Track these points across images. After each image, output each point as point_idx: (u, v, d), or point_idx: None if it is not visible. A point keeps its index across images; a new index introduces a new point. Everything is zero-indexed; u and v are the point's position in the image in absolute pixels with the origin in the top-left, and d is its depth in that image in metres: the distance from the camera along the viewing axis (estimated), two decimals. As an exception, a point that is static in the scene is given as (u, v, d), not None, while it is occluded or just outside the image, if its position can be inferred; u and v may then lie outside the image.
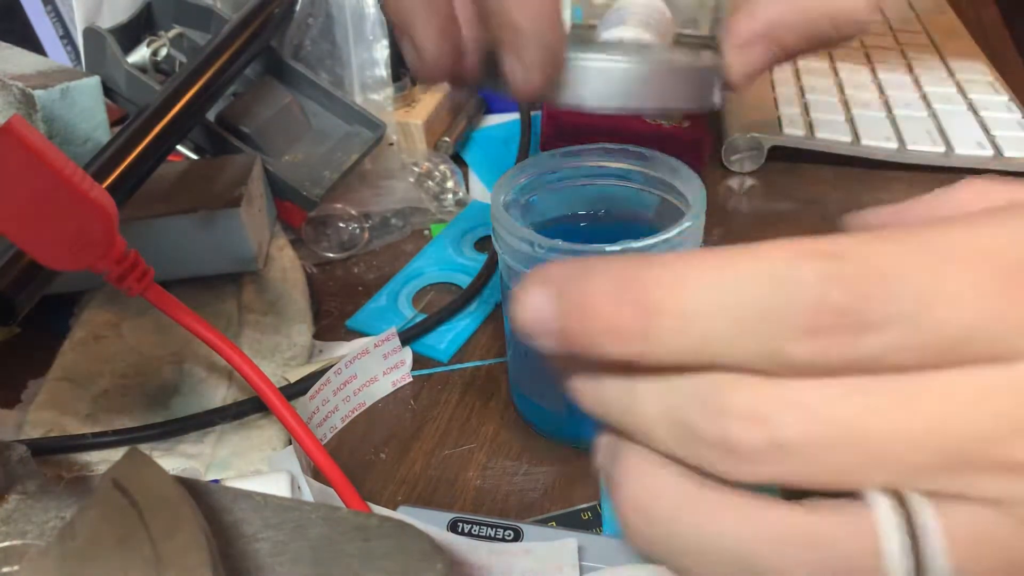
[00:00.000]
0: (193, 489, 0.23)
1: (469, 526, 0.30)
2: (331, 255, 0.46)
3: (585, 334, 0.20)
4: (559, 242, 0.29)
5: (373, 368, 0.37)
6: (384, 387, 0.37)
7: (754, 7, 0.31)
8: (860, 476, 0.18)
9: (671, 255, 0.20)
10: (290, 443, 0.33)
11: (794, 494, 0.20)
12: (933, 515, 0.18)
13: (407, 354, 0.38)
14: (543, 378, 0.30)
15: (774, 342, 0.18)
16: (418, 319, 0.40)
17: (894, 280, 0.17)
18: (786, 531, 0.19)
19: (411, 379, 0.38)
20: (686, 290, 0.19)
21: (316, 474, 0.31)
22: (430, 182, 0.50)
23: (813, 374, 0.18)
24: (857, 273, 0.18)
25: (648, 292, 0.19)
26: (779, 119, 0.55)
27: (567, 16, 0.74)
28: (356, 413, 0.37)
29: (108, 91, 0.45)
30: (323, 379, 0.34)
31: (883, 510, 0.18)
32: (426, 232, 0.48)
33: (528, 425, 0.35)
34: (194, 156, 0.47)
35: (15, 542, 0.23)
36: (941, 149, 0.53)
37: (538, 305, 0.21)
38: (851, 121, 0.55)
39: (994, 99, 0.58)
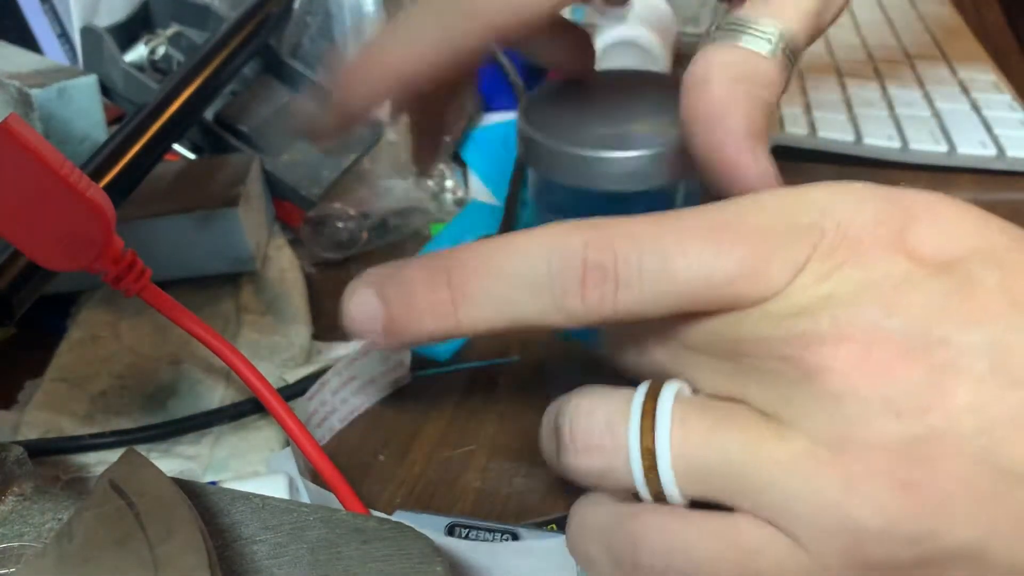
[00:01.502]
0: (191, 491, 0.23)
1: (466, 531, 0.30)
2: (330, 255, 0.46)
3: (409, 318, 0.25)
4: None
5: (373, 370, 0.36)
6: (384, 388, 0.37)
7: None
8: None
9: (478, 241, 0.25)
10: (288, 444, 0.33)
11: None
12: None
13: (407, 355, 0.38)
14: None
15: (557, 299, 0.23)
16: (418, 319, 0.40)
17: (641, 241, 0.22)
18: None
19: (411, 380, 0.38)
20: (487, 267, 0.24)
21: (314, 476, 0.31)
22: (429, 182, 0.50)
23: (594, 323, 0.23)
24: (611, 236, 0.23)
25: (455, 274, 0.24)
26: (781, 118, 0.55)
27: (567, 16, 0.74)
28: (355, 415, 0.36)
29: (105, 90, 0.45)
30: (321, 380, 0.34)
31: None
32: (425, 232, 0.48)
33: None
34: (192, 155, 0.46)
35: (12, 544, 0.22)
36: (944, 148, 0.52)
37: (365, 303, 0.25)
38: (853, 120, 0.55)
39: (997, 98, 0.58)
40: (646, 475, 0.23)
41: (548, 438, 0.26)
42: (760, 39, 0.29)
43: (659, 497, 0.23)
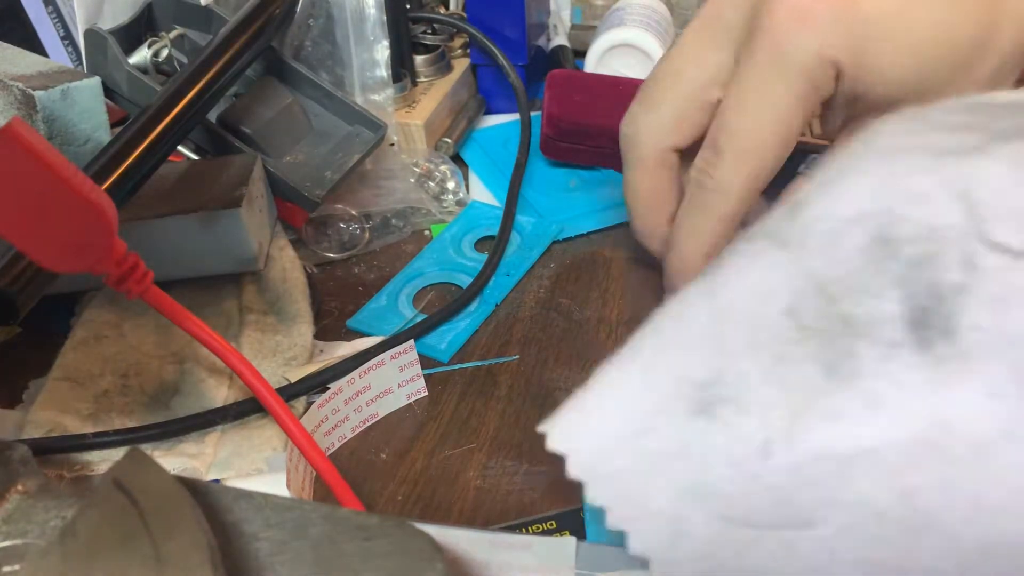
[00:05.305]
0: (194, 489, 0.23)
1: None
2: (332, 255, 0.46)
3: None
4: None
5: (388, 380, 0.36)
6: (399, 399, 0.37)
7: None
8: None
9: None
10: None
11: None
12: None
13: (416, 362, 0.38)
14: None
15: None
16: (418, 319, 0.41)
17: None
18: None
19: (427, 392, 0.37)
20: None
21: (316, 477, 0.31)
22: (430, 182, 0.50)
23: None
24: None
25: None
26: (779, 119, 0.55)
27: (566, 17, 0.74)
28: (367, 424, 0.36)
29: (109, 92, 0.45)
30: (334, 388, 0.34)
31: None
32: (426, 232, 0.49)
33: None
34: (195, 156, 0.47)
35: (16, 542, 0.23)
36: (941, 149, 0.52)
37: None
38: (851, 121, 0.55)
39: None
40: None
41: None
42: None
43: None
